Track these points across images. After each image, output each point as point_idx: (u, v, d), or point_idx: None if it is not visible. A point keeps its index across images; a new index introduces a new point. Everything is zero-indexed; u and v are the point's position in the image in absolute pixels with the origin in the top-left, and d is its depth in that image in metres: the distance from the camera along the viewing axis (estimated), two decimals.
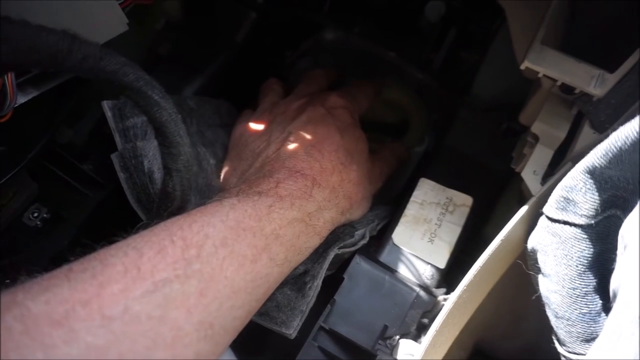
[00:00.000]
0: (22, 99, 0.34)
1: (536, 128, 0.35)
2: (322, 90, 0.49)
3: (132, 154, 0.35)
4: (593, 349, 0.22)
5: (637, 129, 0.22)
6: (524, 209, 0.32)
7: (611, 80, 0.30)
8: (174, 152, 0.28)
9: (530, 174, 0.35)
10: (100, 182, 0.41)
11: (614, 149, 0.24)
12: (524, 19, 0.33)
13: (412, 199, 0.44)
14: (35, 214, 0.39)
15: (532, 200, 0.32)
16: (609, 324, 0.21)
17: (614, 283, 0.23)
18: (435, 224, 0.43)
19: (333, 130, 0.42)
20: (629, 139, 0.23)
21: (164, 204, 0.31)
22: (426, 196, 0.44)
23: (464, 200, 0.44)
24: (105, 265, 0.23)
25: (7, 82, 0.31)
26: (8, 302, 0.20)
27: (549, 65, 0.31)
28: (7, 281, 0.23)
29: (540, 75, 0.32)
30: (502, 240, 0.32)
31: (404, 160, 0.52)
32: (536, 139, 0.36)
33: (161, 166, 0.35)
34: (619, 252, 0.24)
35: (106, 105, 0.36)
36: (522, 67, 0.32)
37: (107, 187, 0.41)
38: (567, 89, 0.33)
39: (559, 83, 0.32)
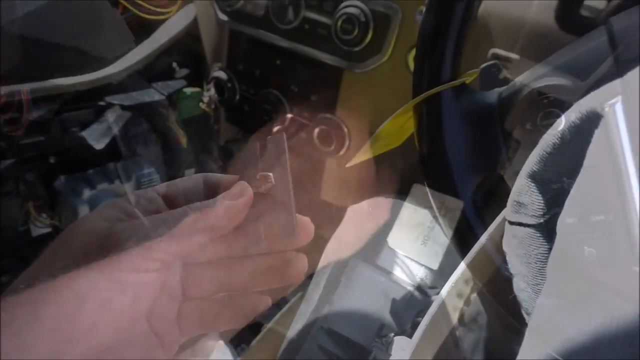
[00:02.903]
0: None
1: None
2: None
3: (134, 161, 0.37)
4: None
5: (558, 135, 0.24)
6: (505, 211, 0.34)
7: None
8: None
9: (513, 176, 0.37)
10: None
11: (545, 154, 0.25)
12: None
13: (405, 203, 0.46)
14: None
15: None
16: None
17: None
18: (428, 227, 0.45)
19: None
20: (554, 144, 0.25)
21: None
22: (419, 201, 0.46)
23: (456, 204, 0.46)
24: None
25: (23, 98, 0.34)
26: None
27: None
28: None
29: None
30: (487, 239, 0.34)
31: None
32: (518, 143, 0.37)
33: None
34: None
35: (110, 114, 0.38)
36: None
37: None
38: None
39: None
